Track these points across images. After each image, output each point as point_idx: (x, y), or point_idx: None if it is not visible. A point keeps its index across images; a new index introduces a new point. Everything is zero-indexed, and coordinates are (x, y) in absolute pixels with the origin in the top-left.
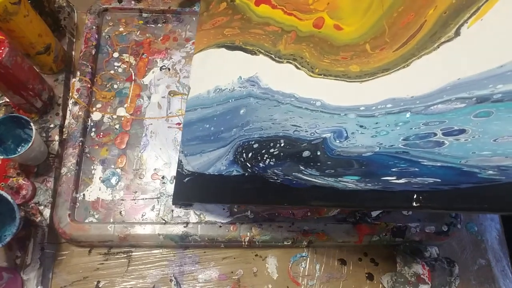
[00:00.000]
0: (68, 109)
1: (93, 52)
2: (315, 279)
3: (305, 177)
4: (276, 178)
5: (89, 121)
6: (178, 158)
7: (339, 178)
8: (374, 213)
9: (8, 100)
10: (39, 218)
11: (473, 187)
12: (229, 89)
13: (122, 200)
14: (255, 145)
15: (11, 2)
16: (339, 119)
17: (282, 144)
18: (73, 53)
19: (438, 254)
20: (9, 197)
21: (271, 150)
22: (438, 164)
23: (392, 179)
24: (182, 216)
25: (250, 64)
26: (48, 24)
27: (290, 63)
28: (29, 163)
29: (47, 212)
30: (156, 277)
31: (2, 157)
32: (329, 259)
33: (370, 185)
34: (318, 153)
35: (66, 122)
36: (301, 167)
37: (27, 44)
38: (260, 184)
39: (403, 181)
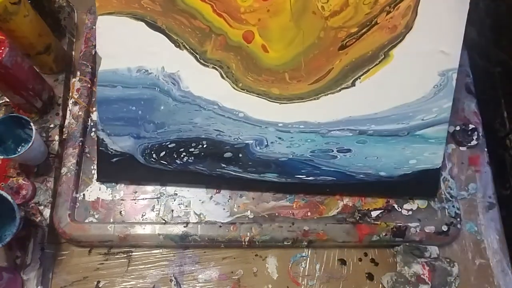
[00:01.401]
0: (68, 109)
1: (93, 52)
2: (315, 279)
3: (231, 172)
4: (203, 171)
5: (89, 121)
6: (98, 136)
7: (261, 175)
8: (374, 213)
9: (8, 100)
10: (39, 218)
11: (355, 183)
12: (155, 76)
13: (122, 200)
14: (171, 145)
15: (11, 2)
16: (260, 130)
17: (205, 145)
18: (73, 53)
19: (438, 254)
20: (9, 197)
21: (191, 150)
22: (332, 169)
23: (303, 177)
24: (182, 216)
25: (173, 57)
26: (48, 24)
27: (216, 69)
28: (29, 163)
29: (47, 212)
30: (156, 277)
31: (2, 157)
32: (329, 259)
33: (289, 179)
34: (240, 155)
35: (66, 122)
36: (222, 164)
37: (27, 44)
38: (191, 175)
39: (311, 179)
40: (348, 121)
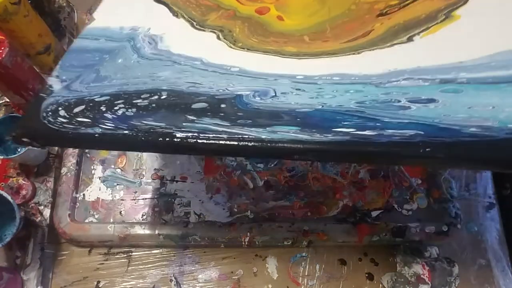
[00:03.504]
0: None
1: None
2: (315, 279)
3: (208, 126)
4: (152, 128)
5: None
6: (47, 83)
7: (268, 128)
8: (374, 213)
9: (8, 100)
10: (39, 218)
11: (471, 141)
12: (138, 32)
13: (122, 200)
14: (100, 98)
15: (11, 2)
16: (265, 82)
17: (163, 97)
18: None
19: (438, 254)
20: (9, 197)
21: (136, 101)
22: (406, 121)
23: (350, 130)
24: (182, 216)
25: (165, 23)
26: (48, 24)
27: (214, 33)
28: (29, 163)
29: (47, 212)
30: (156, 277)
31: (2, 157)
32: (329, 259)
33: (324, 135)
34: (223, 106)
35: None
36: (190, 117)
37: (27, 44)
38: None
39: (372, 133)
40: (416, 71)
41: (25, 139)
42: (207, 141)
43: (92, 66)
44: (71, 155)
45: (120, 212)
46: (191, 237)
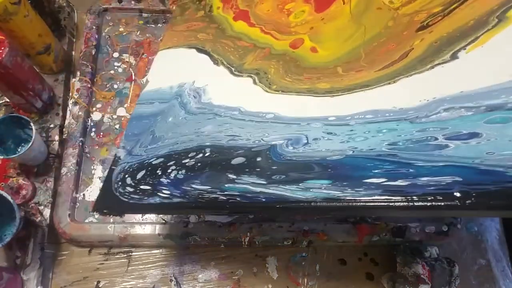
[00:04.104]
0: (68, 109)
1: (93, 52)
2: (315, 279)
3: (250, 188)
4: (200, 193)
5: (89, 121)
6: (116, 155)
7: (300, 184)
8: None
9: (8, 100)
10: (39, 218)
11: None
12: (184, 88)
13: None
14: (156, 161)
15: (11, 2)
16: (298, 127)
17: (207, 154)
18: (73, 53)
19: (438, 254)
20: (9, 197)
21: (185, 161)
22: (440, 164)
23: (381, 181)
24: (182, 216)
25: (207, 72)
26: (48, 24)
27: (251, 77)
28: (29, 163)
29: (47, 212)
30: (156, 277)
31: (2, 157)
32: (329, 259)
33: (355, 190)
34: (258, 159)
35: (66, 122)
36: (230, 175)
37: (27, 44)
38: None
39: (404, 183)
40: (460, 98)
41: (105, 211)
42: (247, 203)
43: (148, 129)
44: (71, 155)
45: None
46: (191, 237)
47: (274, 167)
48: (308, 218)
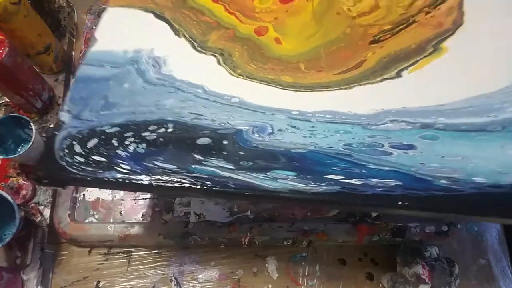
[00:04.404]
0: None
1: None
2: (315, 279)
3: (219, 172)
4: (164, 171)
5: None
6: (59, 119)
7: (268, 173)
8: (374, 213)
9: (8, 100)
10: (39, 218)
11: (442, 196)
12: (141, 55)
13: (122, 200)
14: (111, 129)
15: (11, 2)
16: (263, 116)
17: (170, 129)
18: (73, 53)
19: (438, 254)
20: (9, 197)
21: (144, 134)
22: (386, 168)
23: (340, 178)
24: (182, 216)
25: (168, 43)
26: (48, 24)
27: (215, 56)
28: (29, 163)
29: (47, 212)
30: (156, 277)
31: (2, 157)
32: (329, 259)
33: (317, 184)
34: (225, 142)
35: None
36: (196, 155)
37: (27, 44)
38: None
39: (358, 182)
40: (402, 112)
41: (46, 181)
42: (216, 189)
43: (98, 93)
44: None
45: (120, 212)
46: (191, 237)
47: (241, 153)
48: (282, 212)
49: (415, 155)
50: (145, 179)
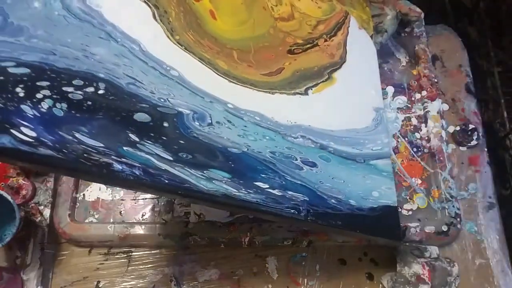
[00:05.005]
0: None
1: None
2: (315, 279)
3: (155, 162)
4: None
5: None
6: None
7: (205, 171)
8: None
9: None
10: (39, 218)
11: (332, 214)
12: None
13: (122, 200)
14: (18, 69)
15: None
16: (202, 102)
17: (101, 91)
18: None
19: (438, 254)
20: (9, 197)
21: (67, 90)
22: (299, 182)
23: (265, 186)
24: (182, 216)
25: None
26: None
27: (149, 6)
28: None
29: (47, 212)
30: (156, 277)
31: None
32: (329, 259)
33: (247, 191)
34: (165, 124)
35: None
36: (131, 134)
37: None
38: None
39: (279, 193)
40: (309, 130)
41: None
42: (149, 181)
43: None
44: None
45: (120, 212)
46: (191, 237)
47: (181, 141)
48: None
49: (317, 173)
50: (55, 155)
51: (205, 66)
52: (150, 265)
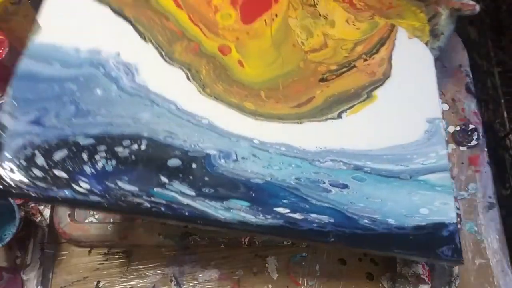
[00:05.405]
0: None
1: None
2: (315, 279)
3: (174, 195)
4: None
5: None
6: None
7: (225, 202)
8: None
9: None
10: (39, 218)
11: (362, 235)
12: (105, 57)
13: None
14: (85, 141)
15: (11, 2)
16: (230, 142)
17: (143, 147)
18: None
19: None
20: None
21: (118, 150)
22: (325, 205)
23: (286, 212)
24: None
25: (135, 47)
26: None
27: (183, 70)
28: None
29: (47, 212)
30: (156, 277)
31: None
32: (329, 259)
33: (267, 216)
34: (194, 166)
35: None
36: (163, 178)
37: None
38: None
39: (300, 217)
40: (341, 153)
41: None
42: (171, 215)
43: (60, 97)
44: None
45: None
46: (191, 237)
47: (206, 178)
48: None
49: (348, 194)
50: (101, 200)
51: (233, 110)
52: (150, 265)
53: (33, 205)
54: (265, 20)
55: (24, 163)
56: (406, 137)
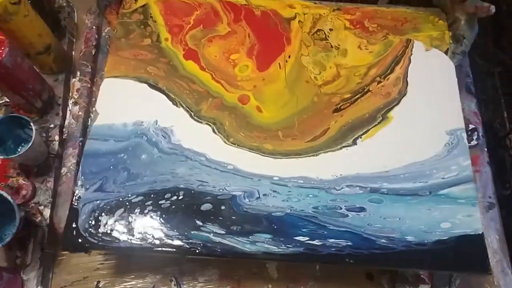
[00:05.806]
0: (68, 109)
1: (93, 52)
2: (315, 279)
3: (207, 234)
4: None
5: (89, 121)
6: (73, 192)
7: (250, 236)
8: None
9: (8, 100)
10: (39, 218)
11: (380, 254)
12: (146, 127)
13: None
14: (136, 199)
15: (11, 2)
16: (252, 182)
17: (181, 197)
18: (73, 53)
19: None
20: (9, 197)
21: (161, 202)
22: (342, 229)
23: (306, 239)
24: None
25: (169, 113)
26: (48, 24)
27: (209, 125)
28: (29, 163)
29: (47, 212)
30: (156, 277)
31: (2, 157)
32: None
33: (288, 245)
34: (223, 208)
35: (66, 122)
36: (198, 222)
37: (27, 44)
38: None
39: (319, 243)
40: (356, 178)
41: (71, 249)
42: (205, 252)
43: (115, 166)
44: (71, 155)
45: None
46: None
47: (233, 217)
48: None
49: (365, 217)
50: (151, 246)
51: (253, 153)
52: (150, 265)
53: (33, 205)
54: (279, 64)
55: (93, 223)
56: (424, 153)
